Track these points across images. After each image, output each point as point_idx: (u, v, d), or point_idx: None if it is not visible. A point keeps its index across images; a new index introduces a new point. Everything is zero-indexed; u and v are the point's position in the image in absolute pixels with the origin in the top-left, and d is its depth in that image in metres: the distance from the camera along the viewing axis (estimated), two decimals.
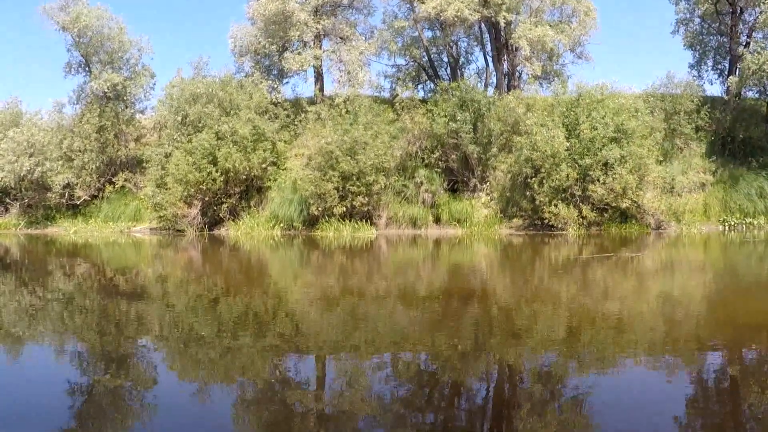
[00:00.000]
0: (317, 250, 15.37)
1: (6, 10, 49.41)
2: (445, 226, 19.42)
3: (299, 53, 22.36)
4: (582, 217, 17.72)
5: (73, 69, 23.39)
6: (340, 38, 23.14)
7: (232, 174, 19.79)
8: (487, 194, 19.94)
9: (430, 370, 4.99)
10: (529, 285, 9.36)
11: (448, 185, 20.24)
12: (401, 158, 20.26)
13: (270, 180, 20.75)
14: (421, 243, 16.60)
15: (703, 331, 6.13)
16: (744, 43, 21.60)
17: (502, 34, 21.52)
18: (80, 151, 22.46)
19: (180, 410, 4.10)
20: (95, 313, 7.49)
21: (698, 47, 23.23)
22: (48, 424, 3.73)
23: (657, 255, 13.50)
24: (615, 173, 17.43)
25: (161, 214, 20.21)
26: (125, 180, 22.69)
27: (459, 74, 22.76)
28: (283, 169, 21.21)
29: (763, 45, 20.25)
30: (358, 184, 18.57)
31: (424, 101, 22.11)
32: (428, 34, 22.89)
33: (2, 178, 22.46)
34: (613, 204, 17.63)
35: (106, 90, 22.38)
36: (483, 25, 22.01)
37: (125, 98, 23.31)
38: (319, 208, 18.79)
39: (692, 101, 20.68)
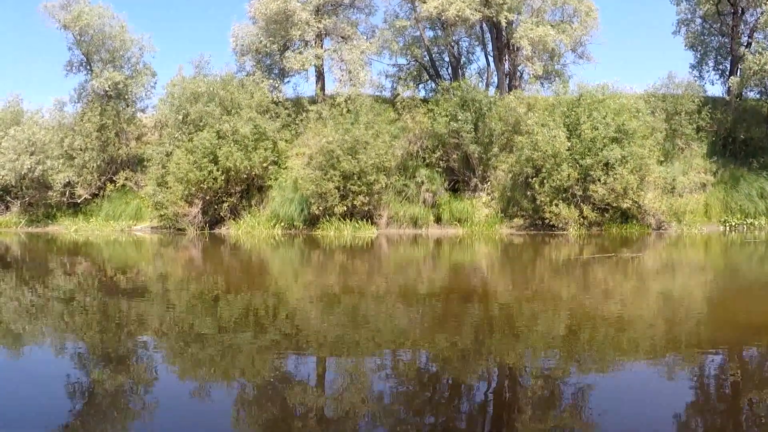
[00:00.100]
0: (318, 249, 15.38)
1: (7, 8, 49.41)
2: (445, 226, 19.42)
3: (300, 52, 22.35)
4: (583, 217, 17.72)
5: (74, 67, 23.40)
6: (342, 37, 23.13)
7: (233, 173, 19.79)
8: (488, 194, 19.94)
9: (431, 370, 4.99)
10: (529, 285, 9.37)
11: (449, 185, 20.24)
12: (402, 158, 20.26)
13: (271, 179, 20.75)
14: (422, 242, 16.60)
15: (704, 331, 6.14)
16: (745, 44, 21.60)
17: (504, 33, 21.51)
18: (81, 150, 22.46)
19: (180, 409, 4.11)
20: (96, 311, 7.50)
21: (699, 47, 23.23)
22: (48, 424, 3.74)
23: (658, 255, 13.50)
24: (616, 173, 17.43)
25: (162, 213, 20.21)
26: (126, 179, 22.69)
27: (460, 74, 22.75)
28: (284, 169, 21.21)
29: (764, 45, 20.22)
30: (359, 183, 18.58)
31: (425, 101, 22.10)
32: (429, 33, 22.91)
33: (3, 176, 22.46)
34: (614, 204, 17.63)
35: (108, 88, 22.38)
36: (484, 24, 22.00)
37: (126, 97, 23.30)
38: (320, 208, 18.80)
39: (693, 101, 20.67)
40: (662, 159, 19.29)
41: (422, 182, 19.83)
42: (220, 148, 19.70)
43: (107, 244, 17.64)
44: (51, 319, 7.05)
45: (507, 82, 22.13)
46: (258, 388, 4.50)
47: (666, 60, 46.63)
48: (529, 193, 18.59)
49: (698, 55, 23.35)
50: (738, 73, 21.36)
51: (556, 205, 17.68)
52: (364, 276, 10.75)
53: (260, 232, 19.48)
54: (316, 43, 23.03)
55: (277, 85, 22.68)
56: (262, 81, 22.03)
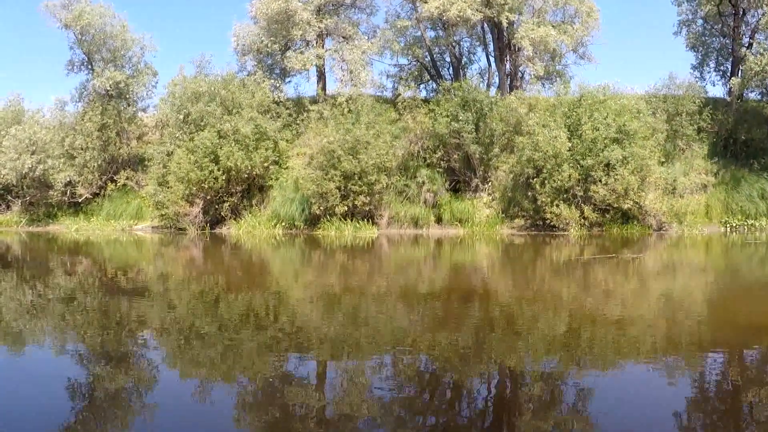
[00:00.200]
0: (319, 249, 15.39)
1: (8, 7, 49.43)
2: (446, 226, 19.42)
3: (302, 52, 22.35)
4: (583, 218, 17.72)
5: (75, 67, 23.40)
6: (343, 37, 23.13)
7: (233, 173, 19.79)
8: (489, 194, 19.94)
9: (431, 371, 4.99)
10: (530, 285, 9.37)
11: (449, 185, 20.24)
12: (403, 158, 20.26)
13: (272, 179, 20.75)
14: (423, 243, 16.61)
15: (705, 332, 6.14)
16: (746, 45, 21.58)
17: (505, 34, 21.51)
18: (82, 149, 22.46)
19: (180, 409, 4.11)
20: (96, 311, 7.50)
21: (701, 48, 23.22)
22: (48, 424, 3.74)
23: (659, 256, 13.50)
24: (617, 174, 17.43)
25: (163, 213, 20.22)
26: (127, 178, 22.70)
27: (461, 74, 22.75)
28: (285, 168, 21.21)
29: (765, 46, 20.20)
30: (359, 183, 18.58)
31: (426, 101, 22.09)
32: (431, 33, 22.89)
33: (4, 175, 22.46)
34: (615, 205, 17.63)
35: (109, 88, 22.38)
36: (485, 25, 21.99)
37: (127, 96, 23.30)
38: (321, 208, 18.80)
39: (694, 102, 20.66)
40: (663, 160, 19.28)
41: (423, 182, 19.83)
42: (221, 147, 19.71)
43: (108, 243, 17.65)
44: (51, 319, 7.05)
45: (508, 82, 22.12)
46: (258, 389, 4.50)
47: (667, 61, 46.64)
48: (530, 193, 18.59)
49: (699, 56, 23.35)
50: (739, 74, 21.35)
51: (557, 205, 17.68)
52: (365, 276, 10.75)
53: (261, 231, 19.48)
54: (317, 43, 23.03)
55: (278, 84, 22.68)
56: (264, 81, 22.03)
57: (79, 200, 22.78)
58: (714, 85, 30.49)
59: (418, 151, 20.55)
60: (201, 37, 54.96)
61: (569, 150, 17.96)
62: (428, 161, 20.25)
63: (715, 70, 23.43)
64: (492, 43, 22.48)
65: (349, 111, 20.64)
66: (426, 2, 20.11)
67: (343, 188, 18.61)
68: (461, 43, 23.54)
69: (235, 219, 20.27)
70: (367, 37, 23.23)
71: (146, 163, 22.01)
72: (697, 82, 22.36)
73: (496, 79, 22.64)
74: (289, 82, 23.83)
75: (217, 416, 3.95)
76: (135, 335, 6.21)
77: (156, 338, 6.10)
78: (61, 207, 23.10)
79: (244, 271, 11.59)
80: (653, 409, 3.93)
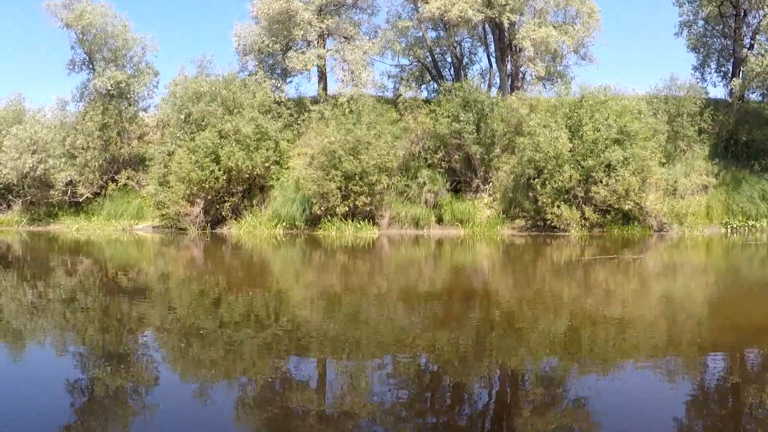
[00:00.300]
0: (320, 249, 15.39)
1: (9, 6, 49.45)
2: (447, 227, 19.42)
3: (303, 52, 22.35)
4: (584, 219, 17.71)
5: (76, 66, 23.40)
6: (344, 38, 23.13)
7: (234, 173, 19.80)
8: (490, 195, 19.94)
9: (432, 371, 5.00)
10: (531, 286, 9.37)
11: (450, 185, 20.23)
12: (404, 158, 20.25)
13: (273, 179, 20.76)
14: (424, 243, 16.61)
15: (706, 333, 6.14)
16: (748, 46, 21.57)
17: (506, 34, 21.51)
18: (83, 149, 22.46)
19: (180, 409, 4.11)
20: (96, 310, 7.51)
21: (702, 49, 23.21)
22: (48, 424, 3.74)
23: (659, 257, 13.50)
24: (618, 175, 17.43)
25: (164, 213, 20.22)
26: (128, 178, 22.70)
27: (462, 75, 22.74)
28: (285, 168, 21.21)
29: (766, 47, 20.21)
30: (360, 183, 18.58)
31: (427, 101, 22.09)
32: (432, 34, 22.89)
33: (5, 174, 22.49)
34: (616, 206, 17.63)
35: (110, 87, 22.38)
36: (487, 25, 21.99)
37: (128, 96, 23.30)
38: (322, 208, 18.80)
39: (695, 103, 20.65)
40: (664, 161, 19.27)
41: (424, 183, 19.83)
42: (222, 147, 19.71)
43: (109, 243, 17.65)
44: (51, 319, 7.06)
45: (509, 83, 22.12)
46: (259, 389, 4.50)
47: (668, 62, 46.63)
48: (530, 194, 18.58)
49: (700, 57, 23.34)
50: (740, 75, 21.34)
51: (558, 206, 17.68)
52: (366, 276, 10.75)
53: (262, 231, 19.49)
54: (318, 43, 23.04)
55: (279, 84, 22.68)
56: (265, 81, 22.03)
57: (80, 200, 22.79)
58: (715, 86, 30.50)
59: (419, 152, 20.55)
60: (202, 37, 55.01)
61: (570, 151, 17.96)
62: (429, 162, 20.25)
63: (716, 71, 23.44)
64: (493, 44, 22.48)
65: (350, 111, 20.64)
66: (427, 3, 20.11)
67: (344, 188, 18.61)
68: (462, 43, 23.56)
69: (235, 219, 20.28)
70: (368, 38, 23.24)
71: (147, 162, 22.01)
72: (698, 83, 22.36)
73: (497, 80, 22.66)
74: (290, 82, 23.86)
75: (218, 416, 3.96)
76: (135, 335, 6.21)
77: (156, 338, 6.10)
78: (61, 206, 23.10)
79: (244, 271, 11.59)
80: (653, 409, 3.93)
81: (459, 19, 19.86)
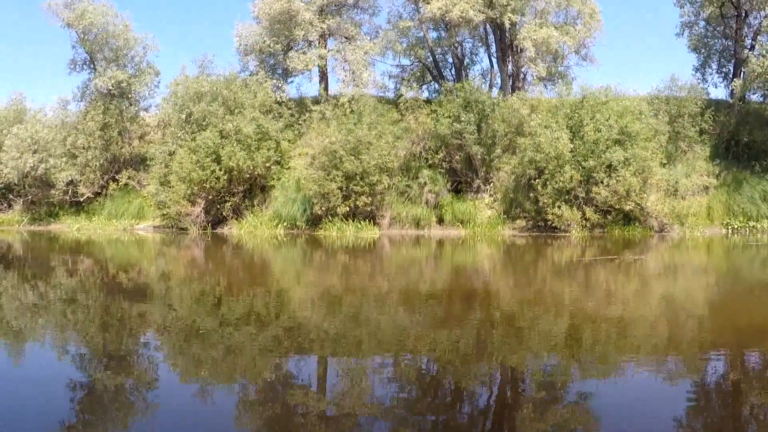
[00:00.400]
0: (321, 249, 15.40)
1: (11, 6, 49.47)
2: (448, 227, 19.42)
3: (304, 52, 22.36)
4: (585, 219, 17.71)
5: (77, 66, 23.41)
6: (345, 38, 23.14)
7: (235, 173, 19.81)
8: (491, 195, 19.94)
9: (433, 372, 5.00)
10: (532, 287, 9.37)
11: (451, 186, 20.24)
12: (405, 158, 20.26)
13: (273, 179, 20.77)
14: (425, 243, 16.61)
15: (706, 334, 6.14)
16: (749, 47, 21.57)
17: (507, 35, 21.50)
18: (84, 149, 22.47)
19: (180, 409, 4.11)
20: (97, 310, 7.51)
21: (703, 50, 23.21)
22: (48, 424, 3.74)
23: (660, 258, 13.50)
24: (618, 175, 17.43)
25: (164, 212, 20.23)
26: (129, 178, 22.72)
27: (463, 75, 22.74)
28: (286, 169, 21.22)
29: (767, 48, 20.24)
30: (361, 184, 18.58)
31: (428, 102, 22.10)
32: (433, 34, 22.89)
33: (6, 174, 22.50)
34: (617, 206, 17.63)
35: (111, 87, 22.40)
36: (488, 26, 21.99)
37: (129, 96, 23.31)
38: (323, 208, 18.81)
39: (696, 104, 20.66)
40: (665, 161, 19.27)
41: (425, 183, 19.84)
42: (223, 147, 19.72)
43: (109, 243, 17.66)
44: (52, 318, 7.06)
45: (510, 83, 22.12)
46: (259, 389, 4.50)
47: (669, 62, 46.63)
48: (531, 194, 18.58)
49: (701, 58, 23.33)
50: (741, 76, 21.33)
51: (559, 206, 17.68)
52: (367, 277, 10.76)
53: (263, 231, 19.50)
54: (319, 43, 23.05)
55: (280, 85, 22.69)
56: (266, 81, 22.04)
57: (81, 199, 22.80)
58: (716, 87, 30.44)
59: (420, 152, 20.55)
60: (203, 37, 55.04)
61: (571, 151, 17.96)
62: (430, 162, 20.26)
63: (717, 72, 23.43)
64: (494, 44, 22.48)
65: (351, 111, 20.64)
66: (428, 3, 20.11)
67: (344, 189, 18.62)
68: (463, 44, 23.55)
69: (236, 219, 20.28)
70: (369, 38, 23.25)
71: (148, 162, 22.03)
72: (699, 83, 22.36)
73: (499, 80, 22.64)
74: (291, 82, 23.86)
75: (218, 416, 3.96)
76: (135, 335, 6.22)
77: (156, 338, 6.11)
78: (62, 206, 23.11)
79: (245, 271, 11.60)
80: (654, 409, 3.93)
81: (460, 20, 19.86)
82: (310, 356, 5.45)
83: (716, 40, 23.18)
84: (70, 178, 22.32)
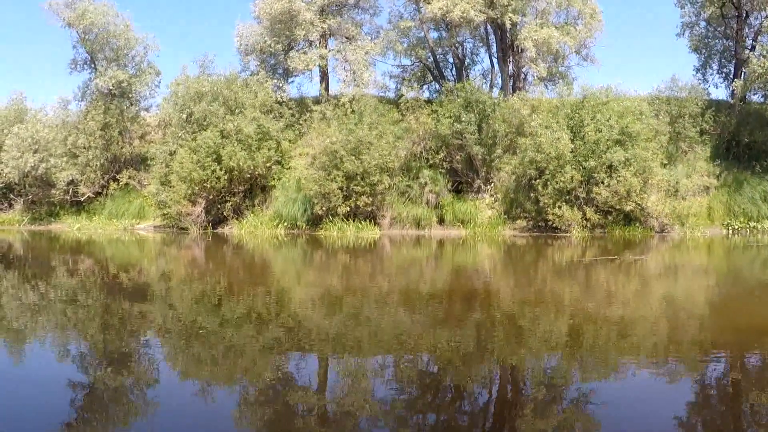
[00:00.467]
0: (321, 249, 15.40)
1: (11, 5, 49.48)
2: (448, 227, 19.42)
3: (305, 52, 22.37)
4: (586, 220, 17.72)
5: (78, 66, 23.44)
6: (346, 38, 23.15)
7: (236, 172, 19.81)
8: (491, 195, 19.94)
9: (433, 372, 5.00)
10: (533, 287, 9.37)
11: (452, 186, 20.24)
12: (405, 158, 20.26)
13: (274, 179, 20.77)
14: (425, 243, 16.61)
15: (707, 335, 6.14)
16: (750, 47, 21.56)
17: (508, 35, 21.50)
18: (84, 148, 22.49)
19: (180, 409, 4.11)
20: (97, 310, 7.51)
21: (704, 51, 23.22)
22: (48, 424, 3.74)
23: (661, 258, 13.50)
24: (619, 176, 17.43)
25: (165, 212, 20.24)
26: (129, 177, 22.73)
27: (464, 75, 22.75)
28: (287, 168, 21.23)
29: None
30: (362, 184, 18.59)
31: (429, 102, 22.10)
32: (434, 34, 22.89)
33: (6, 174, 22.51)
34: (617, 206, 17.63)
35: (111, 87, 22.41)
36: (489, 26, 21.99)
37: (130, 95, 23.33)
38: (323, 208, 18.81)
39: (697, 104, 20.66)
40: (665, 162, 19.27)
41: (425, 183, 19.84)
42: (223, 147, 19.73)
43: (110, 242, 17.67)
44: (52, 318, 7.07)
45: (511, 83, 22.12)
46: (259, 389, 4.50)
47: (670, 63, 46.63)
48: (532, 194, 18.59)
49: (702, 58, 23.34)
50: (742, 76, 21.33)
51: (559, 207, 17.68)
52: (368, 277, 10.76)
53: (263, 231, 19.50)
54: (320, 43, 23.05)
55: (281, 84, 22.69)
56: (266, 81, 22.05)
57: (82, 199, 22.81)
58: (717, 88, 30.51)
59: (421, 152, 20.56)
60: (204, 37, 55.05)
61: (572, 151, 17.96)
62: (431, 162, 20.26)
63: (717, 73, 23.44)
64: (495, 45, 22.48)
65: (352, 111, 20.65)
66: (429, 3, 20.11)
67: (345, 189, 18.62)
68: (464, 44, 23.56)
69: (237, 219, 20.29)
70: (370, 38, 23.25)
71: (149, 162, 22.04)
72: (699, 84, 22.36)
73: (499, 81, 22.64)
74: (292, 82, 23.88)
75: (218, 416, 3.96)
76: (136, 335, 6.22)
77: (157, 338, 6.11)
78: (63, 206, 23.13)
79: (246, 271, 11.60)
80: (654, 409, 3.93)
81: (461, 20, 19.86)
82: (309, 356, 5.46)
83: (717, 41, 23.18)
84: (70, 178, 22.34)
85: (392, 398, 4.25)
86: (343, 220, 18.81)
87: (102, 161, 22.67)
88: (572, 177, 17.57)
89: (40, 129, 22.73)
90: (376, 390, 4.44)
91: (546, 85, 22.36)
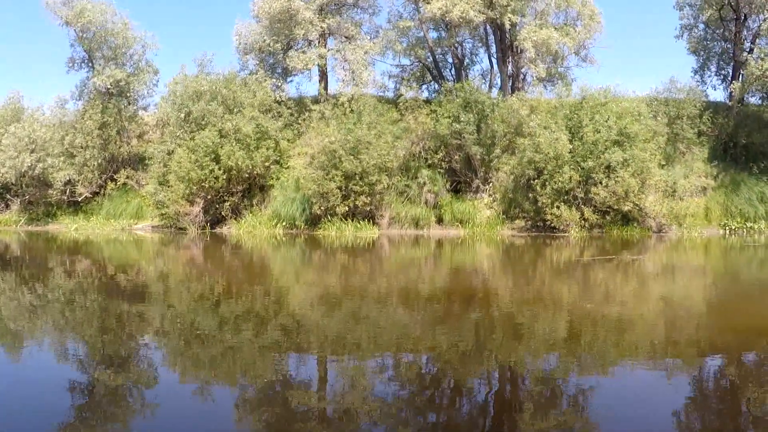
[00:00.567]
0: (320, 249, 15.38)
1: (9, 3, 49.30)
2: (447, 227, 19.44)
3: (304, 52, 22.35)
4: (584, 220, 17.76)
5: (76, 64, 23.34)
6: (345, 37, 23.14)
7: (234, 172, 19.78)
8: (490, 195, 19.97)
9: (432, 372, 4.99)
10: (531, 287, 9.38)
11: (450, 186, 20.26)
12: (404, 158, 20.27)
13: (273, 179, 20.74)
14: (424, 243, 16.61)
15: (704, 335, 6.15)
16: (748, 50, 21.65)
17: (507, 35, 21.53)
18: (82, 148, 22.40)
19: (179, 409, 4.11)
20: (95, 311, 7.49)
21: (702, 53, 23.31)
22: (47, 424, 3.73)
23: (658, 258, 13.53)
24: (617, 176, 17.48)
25: (163, 212, 20.18)
26: (127, 177, 22.65)
27: (463, 75, 22.77)
28: (285, 168, 21.20)
29: (766, 51, 20.30)
30: (361, 183, 18.58)
31: (428, 102, 22.11)
32: (433, 34, 22.91)
33: (3, 173, 22.39)
34: (615, 207, 17.68)
35: (109, 86, 22.34)
36: (488, 26, 22.02)
37: (128, 95, 23.26)
38: (322, 208, 18.79)
39: (695, 106, 20.74)
40: (663, 162, 19.34)
41: (424, 183, 19.85)
42: (222, 147, 19.69)
43: (108, 243, 17.61)
44: (49, 319, 7.04)
45: (510, 84, 22.15)
46: (258, 389, 4.50)
47: (668, 64, 46.80)
48: (530, 194, 18.62)
49: (701, 60, 23.44)
50: (740, 79, 21.41)
51: (558, 207, 17.72)
52: (366, 277, 10.75)
53: (261, 231, 19.47)
54: (319, 42, 23.04)
55: (279, 84, 22.67)
56: (265, 80, 22.02)
57: (79, 199, 22.72)
58: (715, 89, 30.76)
59: (420, 152, 20.56)
60: (203, 35, 54.95)
61: (570, 152, 18.00)
62: (429, 162, 20.27)
63: (716, 75, 23.54)
64: (494, 45, 22.51)
65: (351, 111, 20.64)
66: (429, 3, 20.12)
67: (344, 188, 18.61)
68: (463, 44, 23.59)
69: (235, 218, 20.25)
70: (369, 37, 23.24)
71: (147, 162, 21.98)
72: (698, 86, 22.47)
73: (498, 81, 22.68)
74: (291, 81, 23.86)
75: (217, 417, 3.95)
76: (134, 336, 6.20)
77: (155, 339, 6.09)
78: (60, 206, 23.04)
79: (244, 271, 11.58)
80: (652, 409, 3.94)
81: (460, 20, 19.88)
82: (308, 356, 5.45)
83: (715, 43, 23.27)
84: (67, 178, 22.24)
85: (391, 398, 4.25)
86: (341, 219, 18.80)
87: (99, 161, 22.59)
88: (570, 177, 17.61)
89: (37, 128, 22.62)
90: (375, 390, 4.44)
91: (545, 86, 22.41)
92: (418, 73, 23.78)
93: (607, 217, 17.99)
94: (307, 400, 4.22)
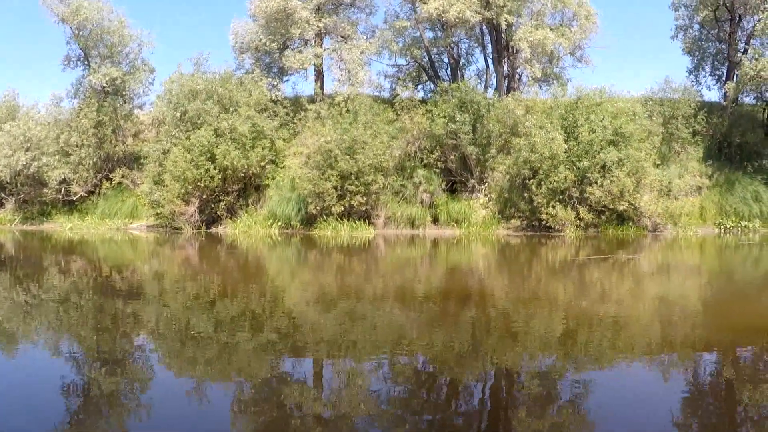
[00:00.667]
0: (315, 249, 15.37)
1: (5, 2, 49.00)
2: (443, 227, 19.45)
3: (300, 51, 22.33)
4: (579, 219, 17.81)
5: (71, 62, 23.24)
6: (342, 37, 23.12)
7: (230, 172, 19.73)
8: (486, 195, 19.99)
9: (428, 372, 5.00)
10: (526, 286, 9.40)
11: (446, 186, 20.28)
12: (400, 158, 20.27)
13: (268, 178, 20.70)
14: (419, 243, 16.63)
15: (699, 333, 6.18)
16: (742, 50, 21.76)
17: (503, 36, 21.56)
18: (77, 146, 22.30)
19: (176, 409, 4.10)
20: (90, 311, 7.47)
21: (697, 53, 23.40)
22: (46, 424, 3.72)
23: (653, 257, 13.59)
24: (612, 176, 17.54)
25: (158, 212, 20.12)
26: (122, 176, 22.57)
27: (459, 75, 22.78)
28: (281, 168, 21.17)
29: (760, 52, 20.41)
30: (356, 183, 18.57)
31: (423, 102, 22.12)
32: (429, 34, 22.90)
33: None
34: (611, 206, 17.73)
35: (105, 84, 22.25)
36: (484, 26, 22.03)
37: (124, 93, 23.18)
38: (318, 207, 18.78)
39: (690, 106, 20.83)
40: (658, 162, 19.40)
41: (420, 183, 19.86)
42: (217, 146, 19.64)
43: (103, 242, 17.55)
44: (45, 319, 7.01)
45: (506, 84, 22.19)
46: (254, 389, 4.49)
47: (663, 65, 46.94)
48: (526, 194, 18.65)
49: (695, 61, 23.53)
50: (734, 79, 21.52)
51: (553, 206, 17.76)
52: (362, 277, 10.75)
53: (257, 231, 19.43)
54: (315, 42, 23.01)
55: (275, 83, 22.63)
56: (261, 79, 21.98)
57: (74, 198, 22.63)
58: (709, 90, 30.84)
59: (415, 152, 20.57)
60: (199, 34, 54.75)
61: (565, 152, 18.05)
62: (425, 162, 20.28)
63: (710, 75, 23.63)
64: (490, 45, 22.54)
65: (347, 111, 20.63)
66: (425, 3, 20.12)
67: (339, 188, 18.59)
68: (459, 44, 23.58)
69: (231, 218, 20.21)
70: (365, 37, 23.23)
71: (142, 161, 21.90)
72: (692, 86, 22.54)
73: (494, 81, 22.68)
74: (287, 80, 23.82)
75: (215, 417, 3.95)
76: (129, 336, 6.19)
77: (150, 339, 6.08)
78: (55, 205, 22.93)
79: (240, 271, 11.56)
80: (649, 408, 3.95)
81: (457, 20, 19.89)
82: (303, 357, 5.44)
83: (710, 44, 23.36)
84: (62, 177, 22.14)
85: (387, 398, 4.25)
86: (337, 219, 18.79)
87: (95, 160, 22.50)
88: (566, 177, 17.65)
89: (32, 127, 22.51)
90: (370, 389, 4.44)
91: (540, 86, 22.45)
92: (414, 73, 23.78)
93: (603, 217, 18.04)
94: (302, 400, 4.22)
